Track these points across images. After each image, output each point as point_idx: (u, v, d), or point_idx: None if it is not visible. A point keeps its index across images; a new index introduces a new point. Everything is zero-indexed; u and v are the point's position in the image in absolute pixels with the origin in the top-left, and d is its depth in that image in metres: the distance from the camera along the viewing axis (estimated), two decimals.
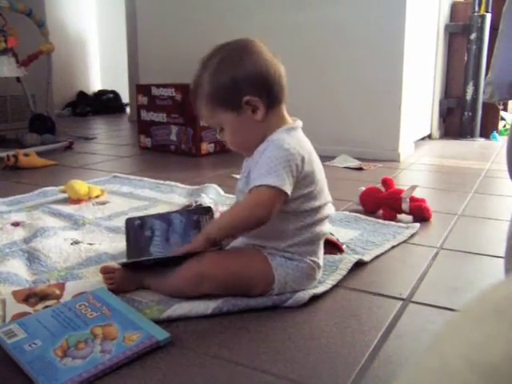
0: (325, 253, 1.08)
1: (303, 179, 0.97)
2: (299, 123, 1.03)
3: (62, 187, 1.78)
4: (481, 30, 3.07)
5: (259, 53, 0.98)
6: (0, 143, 2.74)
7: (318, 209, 1.00)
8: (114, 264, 1.08)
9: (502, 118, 3.35)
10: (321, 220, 1.02)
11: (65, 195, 1.72)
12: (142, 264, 1.03)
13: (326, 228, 1.05)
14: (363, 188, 1.63)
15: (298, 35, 2.60)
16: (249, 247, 1.02)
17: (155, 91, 2.73)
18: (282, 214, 0.96)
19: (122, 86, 4.66)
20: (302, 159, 0.96)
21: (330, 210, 1.05)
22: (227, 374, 0.77)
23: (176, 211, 1.23)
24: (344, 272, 1.10)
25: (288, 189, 0.93)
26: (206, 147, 2.64)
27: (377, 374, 0.77)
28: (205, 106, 1.00)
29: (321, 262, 1.04)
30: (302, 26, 2.60)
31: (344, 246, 1.25)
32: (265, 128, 0.99)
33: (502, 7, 0.78)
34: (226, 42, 1.01)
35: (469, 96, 3.17)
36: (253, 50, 0.98)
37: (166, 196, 1.79)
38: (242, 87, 0.96)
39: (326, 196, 1.03)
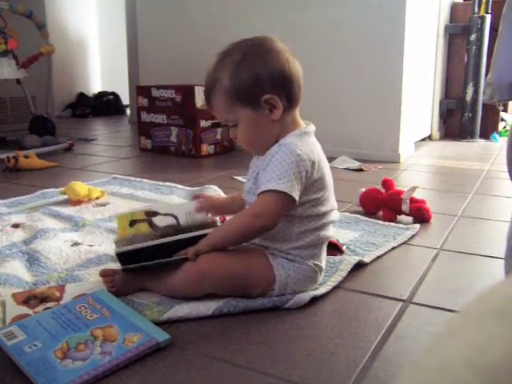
0: None
1: (312, 185, 0.97)
2: (312, 127, 1.02)
3: (62, 189, 1.78)
4: (481, 31, 3.07)
5: (281, 51, 0.97)
6: (0, 145, 2.74)
7: (323, 214, 1.00)
8: (113, 266, 1.07)
9: (502, 119, 3.35)
10: (325, 225, 1.01)
11: (65, 197, 1.72)
12: (143, 267, 1.02)
13: (330, 232, 1.04)
14: (363, 189, 1.63)
15: (297, 36, 2.60)
16: (250, 246, 1.01)
17: (155, 93, 2.73)
18: (288, 217, 0.96)
19: (122, 87, 4.67)
20: (313, 165, 0.95)
21: (335, 216, 1.05)
22: (227, 376, 0.77)
23: (175, 238, 1.06)
24: (344, 273, 1.10)
25: (296, 195, 0.93)
26: (206, 148, 2.64)
27: (377, 375, 0.77)
28: (223, 101, 0.97)
29: (323, 265, 1.04)
30: (301, 27, 2.61)
31: (344, 247, 1.25)
32: (279, 129, 0.98)
33: (502, 8, 0.78)
34: (245, 38, 1.00)
35: (469, 97, 3.17)
36: (275, 48, 0.97)
37: (166, 197, 1.79)
38: (264, 85, 0.94)
39: (332, 202, 1.03)
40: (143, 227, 1.21)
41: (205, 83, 1.01)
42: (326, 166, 1.01)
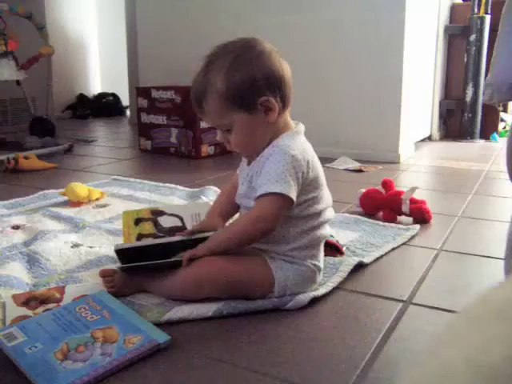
0: (325, 255, 1.08)
1: (308, 185, 0.97)
2: (302, 128, 1.02)
3: (62, 190, 1.78)
4: (480, 31, 3.07)
5: (272, 53, 0.96)
6: (0, 146, 2.74)
7: (319, 213, 1.00)
8: (113, 267, 1.08)
9: (502, 120, 3.34)
10: (322, 224, 1.01)
11: (65, 198, 1.72)
12: (142, 267, 1.02)
13: (327, 231, 1.05)
14: (363, 190, 1.63)
15: (297, 37, 2.60)
16: (248, 250, 1.01)
17: (155, 94, 2.73)
18: (285, 218, 0.96)
19: (122, 88, 4.66)
20: (307, 164, 0.95)
21: (330, 213, 1.05)
22: (228, 377, 0.77)
23: (175, 239, 1.07)
24: (344, 274, 1.10)
25: (294, 195, 0.93)
26: (206, 149, 2.64)
27: (377, 376, 0.77)
28: (217, 105, 0.94)
29: (321, 265, 1.04)
30: (301, 27, 2.61)
31: (344, 248, 1.25)
32: (273, 130, 0.98)
33: (502, 9, 0.78)
34: (232, 40, 0.97)
35: (468, 97, 3.17)
36: (265, 49, 0.96)
37: (166, 198, 1.79)
38: (260, 87, 0.93)
39: (327, 200, 1.03)
40: (148, 226, 1.21)
41: (193, 88, 0.97)
42: (318, 164, 1.01)
